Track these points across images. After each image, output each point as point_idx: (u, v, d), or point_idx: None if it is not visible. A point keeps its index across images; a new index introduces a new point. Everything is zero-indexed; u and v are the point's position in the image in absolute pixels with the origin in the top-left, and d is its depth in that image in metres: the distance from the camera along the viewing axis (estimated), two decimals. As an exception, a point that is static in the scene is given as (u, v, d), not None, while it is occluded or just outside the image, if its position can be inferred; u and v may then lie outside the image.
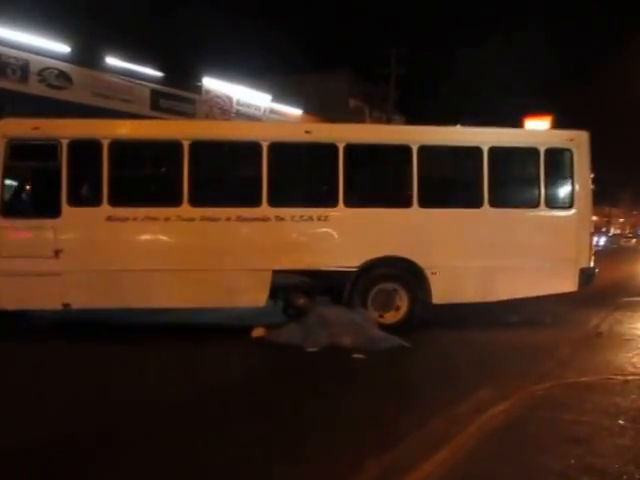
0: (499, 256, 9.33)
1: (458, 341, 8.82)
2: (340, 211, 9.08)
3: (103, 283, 8.67)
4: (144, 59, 20.45)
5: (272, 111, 26.27)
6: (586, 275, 9.61)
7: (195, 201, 8.81)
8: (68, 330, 9.16)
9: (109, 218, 8.69)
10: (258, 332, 8.92)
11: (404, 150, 9.21)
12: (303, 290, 9.31)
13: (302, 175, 9.27)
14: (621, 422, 5.17)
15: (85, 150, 8.79)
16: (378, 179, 9.54)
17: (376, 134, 9.51)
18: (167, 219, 8.78)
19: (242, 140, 9.10)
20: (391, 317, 9.36)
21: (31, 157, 8.77)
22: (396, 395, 6.35)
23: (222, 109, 23.47)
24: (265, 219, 8.92)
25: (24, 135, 8.68)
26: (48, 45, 17.79)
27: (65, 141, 8.65)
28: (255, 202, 8.90)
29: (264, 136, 9.05)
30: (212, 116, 22.45)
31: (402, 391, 6.50)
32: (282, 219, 8.95)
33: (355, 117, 32.61)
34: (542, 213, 9.54)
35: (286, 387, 6.57)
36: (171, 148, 8.87)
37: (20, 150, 8.66)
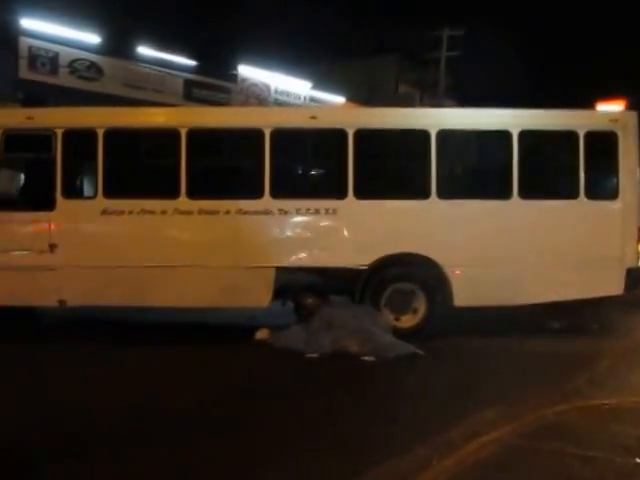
0: (531, 254, 8.33)
1: (480, 350, 7.88)
2: (349, 203, 8.26)
3: (99, 280, 8.19)
4: (177, 48, 20.03)
5: (313, 99, 25.52)
6: (634, 276, 8.43)
7: (193, 193, 8.21)
8: (67, 328, 8.82)
9: (104, 211, 8.20)
10: (261, 334, 8.31)
11: (421, 135, 8.29)
12: (313, 289, 8.58)
13: (308, 164, 8.53)
14: (638, 460, 4.25)
15: (80, 140, 8.31)
16: (391, 168, 8.63)
17: (388, 118, 8.60)
18: (164, 212, 8.20)
19: (243, 127, 8.39)
20: (408, 321, 8.51)
21: (25, 148, 8.38)
22: (386, 414, 5.54)
23: (259, 98, 22.90)
24: (267, 212, 8.22)
25: (18, 125, 8.31)
26: (78, 36, 17.61)
27: (60, 131, 8.22)
28: (257, 194, 8.21)
29: (266, 122, 8.32)
30: (248, 105, 21.90)
31: (395, 408, 5.68)
32: (286, 212, 8.23)
33: (404, 103, 31.42)
34: (581, 205, 8.40)
35: (262, 400, 5.88)
36: (168, 137, 8.29)
37: (14, 141, 8.27)
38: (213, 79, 21.37)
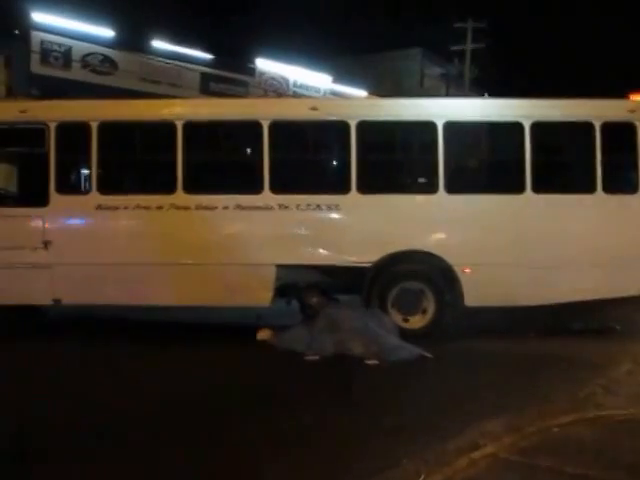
0: (544, 251, 7.83)
1: (492, 353, 7.38)
2: (353, 198, 7.86)
3: (94, 278, 7.94)
4: (193, 41, 19.78)
5: (333, 93, 25.09)
6: None
7: (190, 188, 7.91)
8: (70, 326, 8.64)
9: (99, 207, 7.95)
10: (263, 334, 7.98)
11: (427, 127, 7.85)
12: (317, 288, 8.21)
13: (309, 157, 8.11)
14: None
15: (74, 133, 8.08)
16: (396, 161, 8.22)
17: (393, 108, 8.17)
18: (160, 208, 7.91)
19: (241, 119, 8.05)
20: (417, 322, 8.09)
21: (18, 142, 8.18)
22: (380, 423, 5.13)
23: (277, 91, 22.56)
24: (267, 207, 7.87)
25: (11, 119, 8.07)
26: (91, 30, 17.45)
27: (53, 124, 7.98)
28: (256, 188, 7.87)
29: (265, 114, 7.96)
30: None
31: (391, 418, 5.27)
32: (286, 207, 7.86)
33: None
34: (599, 199, 7.87)
35: (247, 405, 5.54)
36: (164, 130, 7.99)
37: (6, 135, 8.08)
38: (230, 73, 21.07)
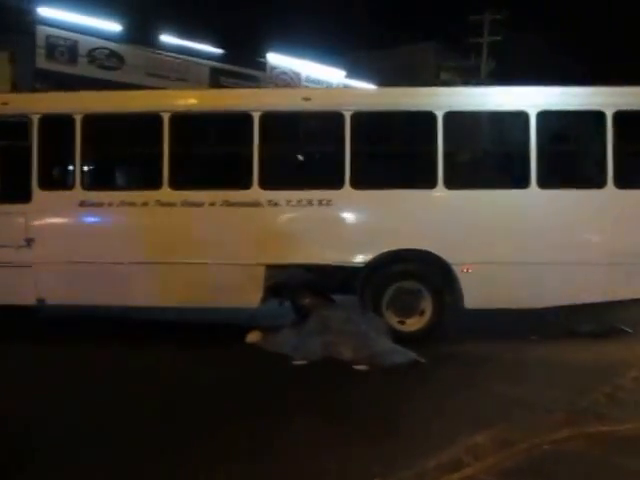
0: (550, 250, 7.35)
1: (491, 358, 6.94)
2: (346, 194, 7.44)
3: (78, 277, 7.64)
4: (202, 35, 19.47)
5: (346, 88, 24.63)
6: None
7: (176, 183, 7.55)
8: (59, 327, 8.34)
9: (82, 203, 7.65)
10: (253, 337, 7.63)
11: (426, 117, 7.39)
12: (310, 288, 7.84)
13: (300, 151, 7.73)
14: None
15: (57, 127, 7.76)
16: (393, 154, 7.76)
17: (390, 98, 7.72)
18: (145, 204, 7.58)
19: (230, 111, 7.66)
20: (414, 324, 7.65)
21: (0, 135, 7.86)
22: (359, 437, 4.75)
23: (289, 86, 22.17)
24: (256, 204, 7.49)
25: None
26: (98, 24, 17.25)
27: (36, 117, 7.68)
28: (244, 184, 7.49)
29: (255, 105, 7.57)
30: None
31: (372, 431, 4.89)
32: (276, 204, 7.48)
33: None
34: (610, 195, 7.35)
35: (218, 414, 5.19)
36: (150, 122, 7.63)
37: None
38: (241, 67, 20.75)
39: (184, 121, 7.60)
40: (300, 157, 7.75)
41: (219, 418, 5.09)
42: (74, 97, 8.16)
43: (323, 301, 7.78)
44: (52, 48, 16.39)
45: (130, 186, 7.77)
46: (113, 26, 17.63)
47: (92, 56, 17.03)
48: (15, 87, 15.29)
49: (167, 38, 18.87)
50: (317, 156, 7.76)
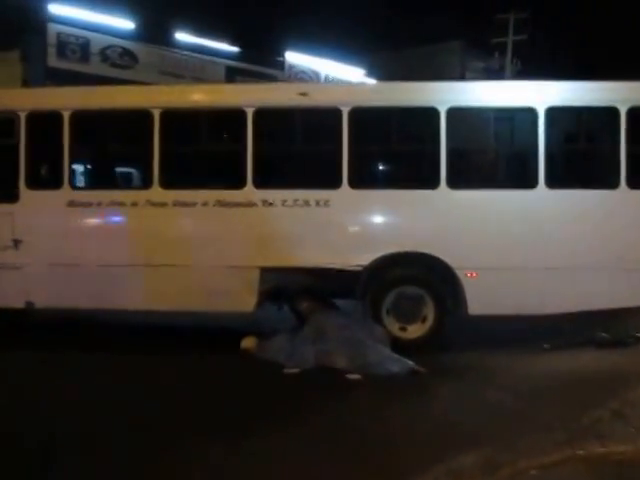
0: (561, 254, 6.91)
1: (495, 368, 6.54)
2: (344, 194, 7.09)
3: (66, 280, 7.41)
4: (218, 34, 19.20)
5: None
6: None
7: (167, 182, 7.29)
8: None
9: (71, 203, 7.41)
10: (247, 343, 7.29)
11: (429, 114, 7.00)
12: (310, 292, 7.50)
13: (296, 149, 7.35)
14: None
15: (45, 124, 7.52)
16: (393, 152, 7.37)
17: (390, 94, 7.33)
18: (135, 204, 7.33)
19: (223, 107, 7.37)
20: (415, 331, 7.27)
21: None
22: (333, 452, 4.45)
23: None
24: (250, 204, 7.18)
25: None
26: (111, 22, 17.09)
27: (23, 114, 7.47)
28: (238, 183, 7.19)
29: (249, 101, 7.25)
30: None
31: (357, 448, 4.55)
32: (271, 204, 7.16)
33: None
34: (623, 196, 6.88)
35: (187, 430, 4.86)
36: (140, 119, 7.36)
37: None
38: (258, 66, 20.43)
39: (175, 117, 7.32)
40: (296, 155, 7.38)
41: (186, 432, 4.78)
42: (62, 93, 7.97)
43: (321, 306, 7.43)
44: (63, 46, 16.24)
45: (120, 185, 7.52)
46: (126, 24, 17.44)
47: (105, 54, 16.88)
48: (26, 86, 15.22)
49: (182, 36, 18.64)
50: (314, 154, 7.37)
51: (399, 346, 6.84)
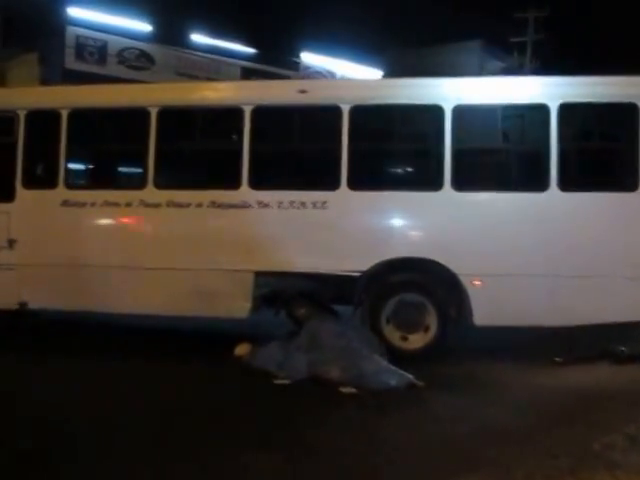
0: (573, 261, 6.49)
1: (500, 383, 6.10)
2: (343, 195, 6.78)
3: (59, 281, 7.27)
4: (233, 35, 19.11)
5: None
6: None
7: (161, 183, 7.10)
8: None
9: (65, 203, 7.27)
10: (241, 350, 6.97)
11: (433, 112, 6.66)
12: (307, 298, 7.19)
13: (294, 148, 7.08)
14: None
15: (43, 123, 7.45)
16: (395, 152, 7.06)
17: (392, 90, 7.00)
18: (129, 205, 7.14)
19: (220, 105, 7.16)
20: (417, 341, 6.90)
21: None
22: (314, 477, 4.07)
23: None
24: (245, 205, 6.92)
25: None
26: (128, 25, 17.12)
27: (22, 113, 7.39)
28: (233, 184, 6.94)
29: (247, 99, 7.02)
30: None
31: (342, 470, 4.18)
32: (266, 205, 6.89)
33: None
34: None
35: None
36: (136, 118, 7.22)
37: None
38: (273, 67, 20.29)
39: (172, 116, 7.14)
40: (293, 155, 7.11)
41: (152, 450, 4.47)
42: (61, 91, 7.95)
43: (319, 312, 7.10)
44: (81, 48, 16.41)
45: (114, 185, 7.35)
46: (143, 26, 17.48)
47: (122, 56, 16.95)
48: (43, 87, 15.26)
49: (198, 38, 18.61)
50: (312, 154, 7.10)
51: (400, 357, 6.48)
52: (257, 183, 6.90)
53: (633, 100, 6.44)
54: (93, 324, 8.04)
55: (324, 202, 6.80)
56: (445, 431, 4.91)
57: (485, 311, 6.63)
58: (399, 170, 7.13)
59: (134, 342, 7.34)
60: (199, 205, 6.99)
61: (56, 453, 4.34)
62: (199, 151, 7.25)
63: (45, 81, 15.66)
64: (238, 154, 6.90)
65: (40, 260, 7.28)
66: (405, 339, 6.91)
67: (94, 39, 16.52)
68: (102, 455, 4.32)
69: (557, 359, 6.73)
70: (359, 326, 6.88)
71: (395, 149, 6.99)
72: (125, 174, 7.68)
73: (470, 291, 6.63)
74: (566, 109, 6.47)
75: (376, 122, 6.96)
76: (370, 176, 6.88)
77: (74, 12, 16.26)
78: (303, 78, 21.11)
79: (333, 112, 6.78)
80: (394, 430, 4.97)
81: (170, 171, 7.21)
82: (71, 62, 16.18)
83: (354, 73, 22.67)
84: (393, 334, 6.88)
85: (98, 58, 16.58)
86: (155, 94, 7.49)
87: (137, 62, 17.24)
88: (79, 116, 7.29)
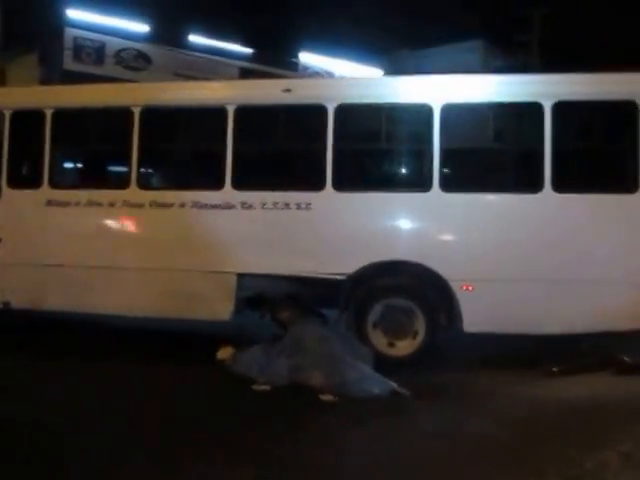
0: (568, 265, 6.25)
1: (487, 394, 5.79)
2: (328, 196, 6.60)
3: (42, 281, 7.19)
4: (231, 35, 18.94)
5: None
6: None
7: (144, 183, 7.03)
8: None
9: (49, 202, 7.20)
10: (223, 353, 6.75)
11: (421, 111, 6.46)
12: (293, 300, 6.97)
13: (278, 148, 6.91)
14: None
15: (29, 122, 7.43)
16: (381, 152, 6.85)
17: (379, 89, 6.79)
18: (112, 205, 7.03)
19: (203, 105, 6.98)
20: (405, 347, 6.68)
21: None
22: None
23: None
24: (228, 206, 6.76)
25: None
26: (126, 26, 17.03)
27: (8, 112, 7.39)
28: (215, 184, 6.79)
29: (230, 98, 6.89)
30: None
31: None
32: (250, 206, 6.72)
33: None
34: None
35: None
36: (119, 118, 7.13)
37: None
38: (272, 67, 20.09)
39: (155, 116, 7.03)
40: (277, 155, 6.93)
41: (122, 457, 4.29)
42: (47, 91, 8.04)
43: (304, 315, 6.88)
44: (79, 49, 16.32)
45: (98, 185, 7.21)
46: (141, 27, 17.37)
47: (119, 57, 16.84)
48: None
49: (195, 38, 18.46)
50: (296, 154, 6.93)
51: (387, 363, 6.26)
52: (240, 183, 6.74)
53: (630, 97, 6.20)
54: (76, 323, 7.89)
55: (308, 203, 6.62)
56: (425, 447, 4.61)
57: (475, 317, 6.41)
58: (386, 170, 6.92)
59: (114, 343, 7.19)
60: (182, 205, 6.85)
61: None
62: (182, 151, 7.15)
63: (45, 82, 15.61)
64: (221, 154, 6.75)
65: (24, 260, 7.21)
66: (392, 345, 6.70)
67: (92, 40, 16.42)
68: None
69: (554, 368, 6.43)
70: (345, 331, 6.66)
71: (382, 149, 6.78)
72: (109, 174, 7.58)
73: (460, 296, 6.41)
74: (561, 107, 6.23)
75: (363, 121, 6.77)
76: (356, 177, 6.73)
77: (73, 14, 16.19)
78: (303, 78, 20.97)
79: (318, 111, 6.61)
80: (371, 443, 4.75)
81: (153, 171, 7.13)
82: (69, 63, 16.09)
83: (354, 73, 22.42)
84: (380, 340, 6.67)
85: (96, 59, 16.47)
86: (138, 93, 7.38)
87: (135, 63, 17.11)
88: (63, 116, 7.24)
